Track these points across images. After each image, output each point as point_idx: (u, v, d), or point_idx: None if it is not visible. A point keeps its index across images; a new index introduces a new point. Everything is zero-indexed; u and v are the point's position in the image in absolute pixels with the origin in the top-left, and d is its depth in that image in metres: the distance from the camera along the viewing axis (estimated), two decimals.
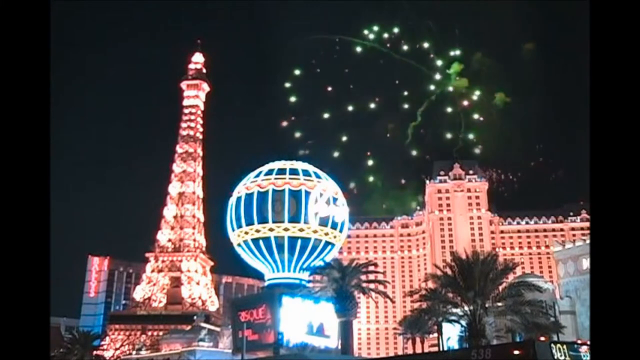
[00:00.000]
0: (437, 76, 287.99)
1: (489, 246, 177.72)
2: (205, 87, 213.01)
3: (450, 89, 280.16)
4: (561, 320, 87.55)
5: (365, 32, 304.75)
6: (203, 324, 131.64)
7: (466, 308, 50.35)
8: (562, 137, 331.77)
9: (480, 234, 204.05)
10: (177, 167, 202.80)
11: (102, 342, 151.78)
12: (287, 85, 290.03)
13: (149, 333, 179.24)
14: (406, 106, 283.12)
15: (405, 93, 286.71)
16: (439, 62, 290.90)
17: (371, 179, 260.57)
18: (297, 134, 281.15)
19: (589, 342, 27.76)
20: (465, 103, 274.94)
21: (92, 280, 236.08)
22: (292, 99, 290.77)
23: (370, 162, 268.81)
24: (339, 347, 73.82)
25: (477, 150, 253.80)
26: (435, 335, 73.39)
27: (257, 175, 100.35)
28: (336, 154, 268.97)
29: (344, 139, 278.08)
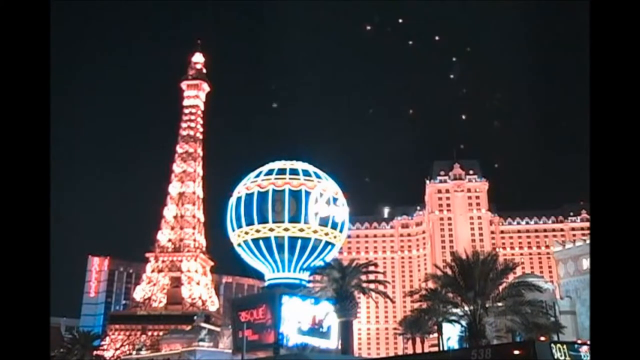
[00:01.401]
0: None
1: (489, 246, 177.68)
2: (206, 87, 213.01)
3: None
4: (561, 320, 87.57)
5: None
6: (203, 324, 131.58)
7: (466, 308, 50.39)
8: (562, 136, 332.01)
9: (481, 234, 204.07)
10: (177, 167, 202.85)
11: (102, 342, 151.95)
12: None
13: (149, 333, 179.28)
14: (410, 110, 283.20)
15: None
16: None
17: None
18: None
19: (589, 342, 27.76)
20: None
21: (92, 280, 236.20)
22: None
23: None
24: (339, 347, 73.86)
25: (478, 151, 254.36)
26: (436, 335, 73.39)
27: (257, 175, 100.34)
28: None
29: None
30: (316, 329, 76.98)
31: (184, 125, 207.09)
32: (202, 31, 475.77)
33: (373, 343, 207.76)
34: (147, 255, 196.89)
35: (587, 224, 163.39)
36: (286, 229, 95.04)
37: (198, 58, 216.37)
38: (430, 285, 62.80)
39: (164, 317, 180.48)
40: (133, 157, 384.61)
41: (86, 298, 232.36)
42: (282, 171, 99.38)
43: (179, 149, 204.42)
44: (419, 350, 76.77)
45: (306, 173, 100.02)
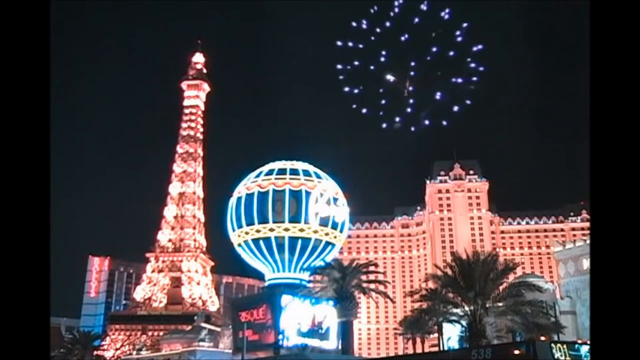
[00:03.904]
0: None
1: (490, 246, 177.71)
2: (206, 87, 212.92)
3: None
4: (561, 321, 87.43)
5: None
6: (203, 324, 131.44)
7: (466, 308, 50.41)
8: (563, 137, 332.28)
9: (481, 234, 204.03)
10: (178, 167, 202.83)
11: (103, 342, 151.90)
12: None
13: (150, 333, 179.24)
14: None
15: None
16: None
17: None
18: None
19: (589, 342, 27.76)
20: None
21: (93, 280, 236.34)
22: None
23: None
24: (339, 347, 73.89)
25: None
26: (436, 335, 73.40)
27: (258, 176, 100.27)
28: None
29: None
30: (315, 330, 76.92)
31: (184, 125, 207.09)
32: (202, 31, 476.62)
33: (373, 343, 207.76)
34: (148, 255, 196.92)
35: (587, 224, 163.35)
36: (286, 229, 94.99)
37: (198, 58, 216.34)
38: (431, 285, 62.82)
39: (164, 317, 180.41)
40: (133, 157, 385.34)
41: (86, 298, 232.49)
42: (282, 171, 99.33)
43: (179, 149, 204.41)
44: (419, 350, 76.76)
45: (306, 173, 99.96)
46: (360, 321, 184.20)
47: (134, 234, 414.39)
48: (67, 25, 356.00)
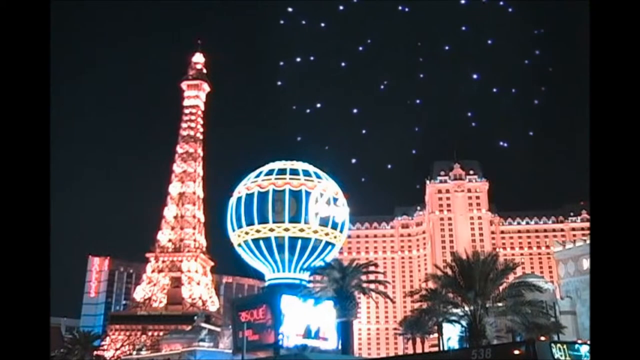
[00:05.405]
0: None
1: (490, 246, 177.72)
2: (206, 87, 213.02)
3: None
4: (561, 321, 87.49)
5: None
6: (203, 324, 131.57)
7: (466, 308, 50.42)
8: (562, 136, 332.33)
9: (481, 234, 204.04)
10: (178, 167, 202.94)
11: (103, 343, 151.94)
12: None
13: (150, 333, 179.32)
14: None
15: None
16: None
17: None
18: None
19: (589, 342, 27.75)
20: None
21: (93, 280, 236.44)
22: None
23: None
24: (338, 347, 73.96)
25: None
26: (436, 335, 73.43)
27: (258, 176, 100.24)
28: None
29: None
30: (315, 331, 76.95)
31: (184, 125, 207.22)
32: (202, 31, 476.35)
33: (373, 343, 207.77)
34: (148, 255, 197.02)
35: (587, 224, 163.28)
36: (286, 229, 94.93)
37: (198, 58, 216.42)
38: (431, 285, 62.80)
39: (164, 317, 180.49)
40: (133, 157, 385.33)
41: (86, 298, 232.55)
42: (282, 171, 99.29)
43: (179, 149, 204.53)
44: (419, 350, 76.78)
45: (306, 173, 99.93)
46: (360, 321, 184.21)
47: (134, 234, 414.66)
48: (67, 25, 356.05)
